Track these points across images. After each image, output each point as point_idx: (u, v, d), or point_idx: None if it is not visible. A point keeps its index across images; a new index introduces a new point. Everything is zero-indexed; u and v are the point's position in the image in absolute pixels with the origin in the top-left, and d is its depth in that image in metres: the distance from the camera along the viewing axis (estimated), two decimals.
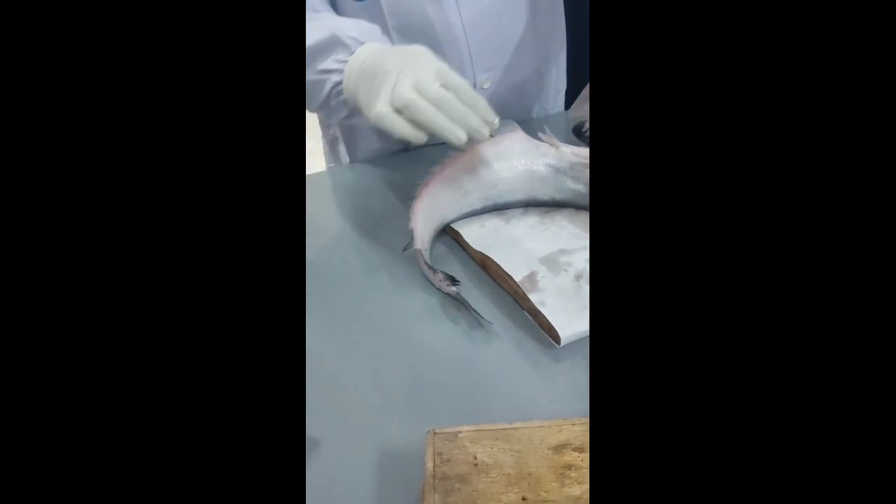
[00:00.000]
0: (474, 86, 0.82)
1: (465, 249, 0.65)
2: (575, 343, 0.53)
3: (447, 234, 0.68)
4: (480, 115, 0.59)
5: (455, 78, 0.58)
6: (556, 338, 0.52)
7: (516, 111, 0.89)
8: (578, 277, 0.57)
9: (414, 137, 0.57)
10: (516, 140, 0.68)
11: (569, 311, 0.54)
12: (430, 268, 0.59)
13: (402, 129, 0.57)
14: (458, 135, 0.57)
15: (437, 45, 0.78)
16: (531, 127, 0.70)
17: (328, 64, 0.66)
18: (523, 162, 0.67)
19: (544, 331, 0.54)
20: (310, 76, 0.68)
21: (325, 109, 0.71)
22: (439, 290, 0.59)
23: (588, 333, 0.52)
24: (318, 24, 0.67)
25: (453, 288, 0.57)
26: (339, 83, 0.67)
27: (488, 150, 0.68)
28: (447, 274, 0.58)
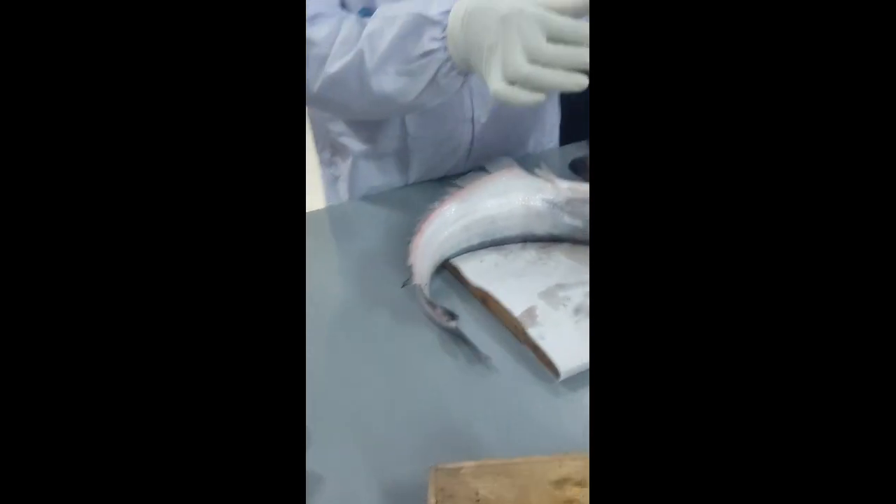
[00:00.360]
0: (472, 119, 0.84)
1: (464, 285, 0.66)
2: (575, 377, 0.53)
3: (446, 269, 0.69)
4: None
5: (557, 22, 0.56)
6: (556, 371, 0.52)
7: (513, 145, 0.91)
8: (577, 311, 0.58)
9: (535, 102, 0.57)
10: (513, 176, 0.69)
11: (567, 344, 0.54)
12: (430, 303, 0.60)
13: (524, 99, 0.57)
14: (579, 82, 0.56)
15: None
16: (527, 162, 0.72)
17: (425, 45, 0.64)
18: (520, 198, 0.68)
19: (544, 365, 0.54)
20: (403, 67, 0.66)
21: (434, 90, 0.67)
22: (439, 325, 0.59)
23: (588, 366, 0.53)
24: (383, 17, 0.66)
25: (453, 323, 0.58)
26: (446, 60, 0.64)
27: (486, 186, 0.69)
28: (446, 309, 0.59)
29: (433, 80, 0.65)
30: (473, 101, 0.83)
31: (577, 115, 0.99)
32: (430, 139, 0.84)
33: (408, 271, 0.63)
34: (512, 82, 0.56)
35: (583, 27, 0.56)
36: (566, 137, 0.96)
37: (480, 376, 0.54)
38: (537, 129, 0.93)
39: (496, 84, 0.57)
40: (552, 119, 0.94)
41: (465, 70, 0.63)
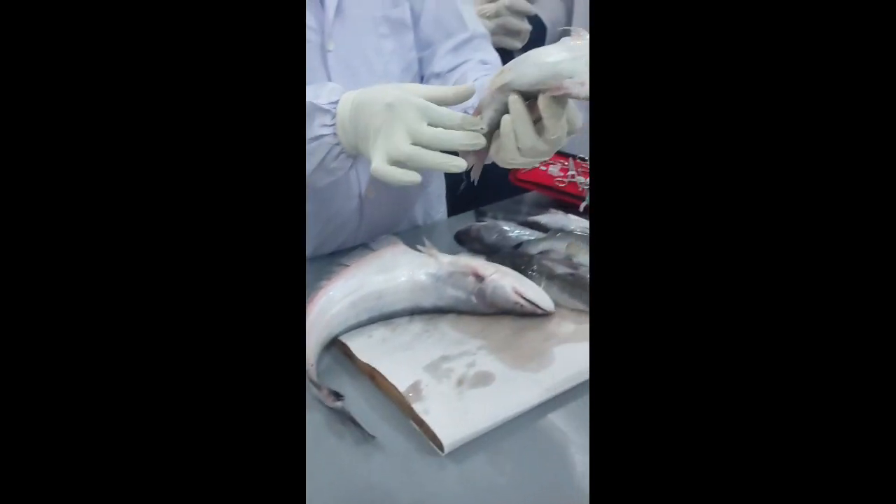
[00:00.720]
0: (360, 195, 0.86)
1: (352, 361, 0.67)
2: (460, 448, 0.54)
3: (335, 347, 0.69)
4: (468, 129, 0.61)
5: (437, 110, 0.61)
6: (440, 445, 0.54)
7: (401, 219, 0.93)
8: (460, 383, 0.60)
9: (411, 181, 0.61)
10: (397, 252, 0.71)
11: (452, 417, 0.56)
12: (315, 384, 0.60)
13: (400, 177, 0.60)
14: (456, 164, 0.60)
15: None
16: (412, 238, 0.74)
17: (316, 131, 0.68)
18: (405, 273, 0.70)
19: (429, 439, 0.55)
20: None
21: (323, 171, 0.71)
22: (325, 405, 0.59)
23: (471, 438, 0.54)
24: None
25: (339, 403, 0.58)
26: (335, 144, 0.68)
27: (371, 263, 0.71)
28: (331, 389, 0.59)
29: (322, 162, 0.69)
30: (360, 178, 0.86)
31: (461, 188, 1.04)
32: (319, 215, 0.86)
33: None
34: (395, 162, 0.60)
35: (459, 116, 0.61)
36: (453, 209, 1.00)
37: (366, 456, 0.54)
38: (423, 202, 0.96)
39: (377, 163, 0.61)
40: (438, 191, 0.98)
41: (354, 153, 0.68)
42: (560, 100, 0.56)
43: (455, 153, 0.61)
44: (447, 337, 0.67)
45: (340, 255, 0.77)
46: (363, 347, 0.66)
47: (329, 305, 0.68)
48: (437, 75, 0.86)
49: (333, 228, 0.88)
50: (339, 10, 0.79)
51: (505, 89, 0.58)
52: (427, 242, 0.72)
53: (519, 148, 0.59)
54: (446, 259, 0.70)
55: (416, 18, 0.87)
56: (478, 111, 0.61)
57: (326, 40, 0.80)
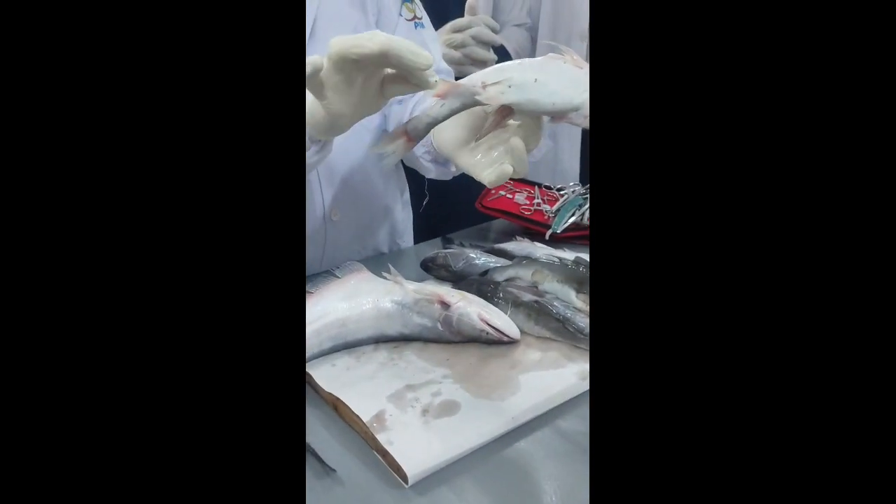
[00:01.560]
0: (323, 217, 0.86)
1: (316, 391, 0.65)
2: (424, 480, 0.53)
3: None
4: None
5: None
6: (404, 477, 0.52)
7: (368, 245, 0.93)
8: (425, 412, 0.59)
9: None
10: (362, 279, 0.71)
11: (416, 448, 0.54)
12: None
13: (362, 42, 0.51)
14: (427, 58, 0.53)
15: None
16: (380, 262, 0.73)
17: None
18: (370, 300, 0.69)
19: (393, 471, 0.54)
20: None
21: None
22: None
23: (436, 469, 0.53)
24: None
25: None
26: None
27: (335, 290, 0.69)
28: None
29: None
30: (325, 198, 0.85)
31: (429, 214, 1.04)
32: None
33: None
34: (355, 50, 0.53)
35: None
36: (419, 235, 1.00)
37: (327, 490, 0.53)
38: (389, 229, 0.96)
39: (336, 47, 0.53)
40: (404, 218, 0.98)
41: (316, 127, 0.61)
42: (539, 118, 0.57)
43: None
44: (412, 366, 0.66)
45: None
46: (327, 377, 0.65)
47: None
48: (399, 102, 0.86)
49: None
50: (312, 32, 0.78)
51: (503, 107, 0.56)
52: (392, 269, 0.71)
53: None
54: (412, 286, 0.70)
55: None
56: (442, 94, 0.57)
57: None
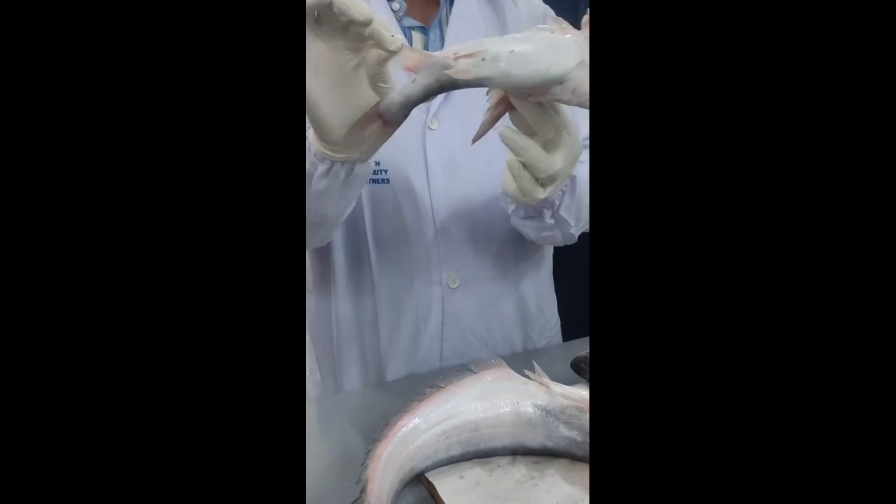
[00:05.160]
0: (440, 283, 0.78)
1: None
2: None
3: (421, 483, 0.58)
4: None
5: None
6: None
7: (497, 333, 0.83)
8: None
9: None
10: (501, 377, 0.61)
11: None
12: None
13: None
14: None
15: (403, 231, 0.76)
16: (519, 362, 0.63)
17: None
18: (509, 402, 0.59)
19: None
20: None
21: (316, 194, 0.60)
22: None
23: None
24: None
25: None
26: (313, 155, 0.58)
27: (470, 387, 0.60)
28: None
29: (313, 183, 0.58)
30: (442, 259, 0.77)
31: (583, 305, 0.93)
32: (389, 317, 0.78)
33: (359, 488, 0.52)
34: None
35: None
36: (568, 332, 0.89)
37: None
38: (528, 325, 0.85)
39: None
40: (547, 313, 0.87)
41: (326, 150, 0.55)
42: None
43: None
44: (557, 489, 0.54)
45: (433, 375, 0.67)
46: (452, 490, 0.55)
47: (414, 433, 0.57)
48: None
49: (410, 331, 0.78)
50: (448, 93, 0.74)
51: (478, 83, 0.49)
52: (537, 368, 0.61)
53: (538, 178, 0.51)
54: (559, 389, 0.58)
55: None
56: (412, 67, 0.50)
57: (430, 118, 0.76)
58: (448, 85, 0.50)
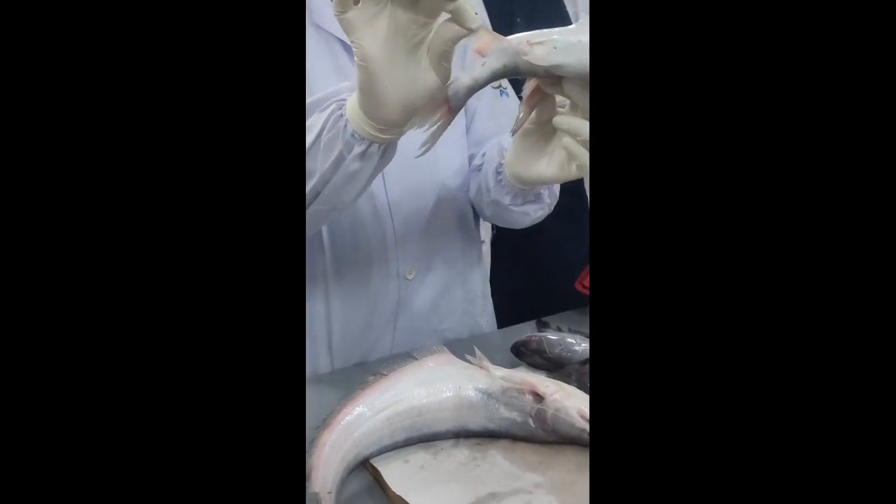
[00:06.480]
0: (397, 274, 0.79)
1: (384, 491, 0.56)
2: None
3: (366, 469, 0.58)
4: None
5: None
6: None
7: (446, 319, 0.85)
8: None
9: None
10: (442, 362, 0.62)
11: None
12: None
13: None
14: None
15: (361, 226, 0.76)
16: (460, 347, 0.65)
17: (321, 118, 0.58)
18: (451, 386, 0.60)
19: None
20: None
21: (342, 176, 0.59)
22: None
23: None
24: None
25: None
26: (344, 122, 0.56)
27: (412, 374, 0.61)
28: None
29: (337, 157, 0.57)
30: (399, 254, 0.78)
31: (521, 294, 0.96)
32: (348, 302, 0.78)
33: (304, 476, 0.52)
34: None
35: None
36: (507, 318, 0.91)
37: None
38: (470, 308, 0.87)
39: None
40: (484, 292, 0.89)
41: (370, 130, 0.55)
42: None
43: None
44: (498, 468, 0.56)
45: (376, 364, 0.68)
46: (397, 475, 0.56)
47: (358, 421, 0.58)
48: (479, 168, 0.82)
49: (361, 323, 0.79)
50: None
51: (550, 70, 0.51)
52: (478, 352, 0.62)
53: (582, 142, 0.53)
54: (500, 373, 0.60)
55: (470, 117, 0.84)
56: (483, 49, 0.51)
57: None
58: (514, 71, 0.51)
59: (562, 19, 1.05)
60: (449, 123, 0.56)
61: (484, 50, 0.51)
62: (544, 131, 0.60)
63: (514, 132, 0.60)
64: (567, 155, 0.56)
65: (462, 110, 0.78)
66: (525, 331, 0.83)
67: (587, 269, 0.93)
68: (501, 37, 0.52)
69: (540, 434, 0.58)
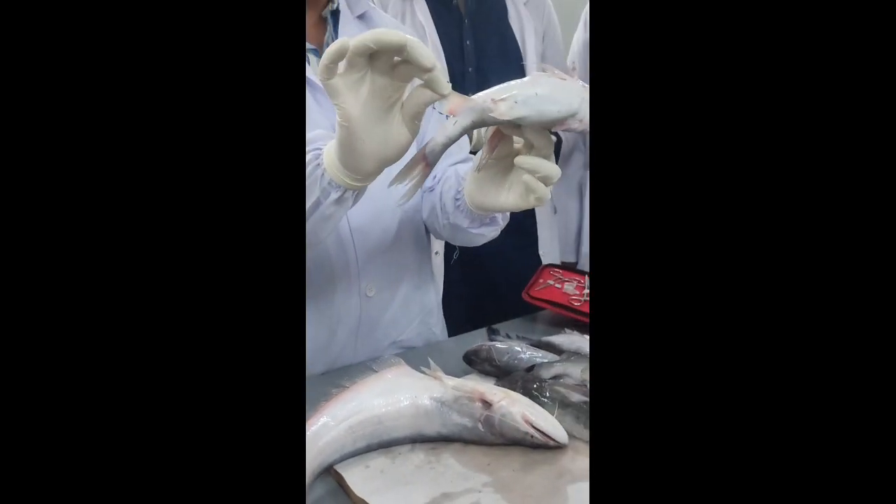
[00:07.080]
0: (359, 293, 0.84)
1: (347, 495, 0.61)
2: None
3: (331, 475, 0.63)
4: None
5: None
6: None
7: (405, 331, 0.90)
8: None
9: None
10: (400, 374, 0.67)
11: None
12: None
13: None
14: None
15: (326, 254, 0.81)
16: (420, 354, 0.70)
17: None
18: (408, 396, 0.66)
19: None
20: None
21: (318, 218, 0.65)
22: None
23: None
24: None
25: None
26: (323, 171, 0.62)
27: (371, 385, 0.66)
28: None
29: (316, 203, 0.63)
30: (360, 272, 0.83)
31: (473, 304, 1.01)
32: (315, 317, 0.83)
33: None
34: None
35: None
36: (458, 326, 0.97)
37: None
38: (427, 321, 0.93)
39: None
40: (439, 313, 0.95)
41: (344, 177, 0.60)
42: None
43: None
44: (451, 470, 0.61)
45: (337, 375, 0.73)
46: (359, 479, 0.61)
47: (324, 430, 0.63)
48: (430, 189, 0.86)
49: (326, 337, 0.84)
50: None
51: (512, 122, 0.57)
52: (432, 364, 0.68)
53: (547, 185, 0.60)
54: (452, 382, 0.66)
55: (419, 141, 0.89)
56: (454, 110, 0.58)
57: None
58: (481, 124, 0.58)
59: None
60: (426, 178, 0.62)
61: (455, 110, 0.57)
62: (503, 165, 0.65)
63: (478, 169, 0.66)
64: (525, 188, 0.62)
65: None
66: (476, 338, 0.89)
67: (534, 278, 0.99)
68: (469, 97, 0.58)
69: (489, 437, 0.63)
